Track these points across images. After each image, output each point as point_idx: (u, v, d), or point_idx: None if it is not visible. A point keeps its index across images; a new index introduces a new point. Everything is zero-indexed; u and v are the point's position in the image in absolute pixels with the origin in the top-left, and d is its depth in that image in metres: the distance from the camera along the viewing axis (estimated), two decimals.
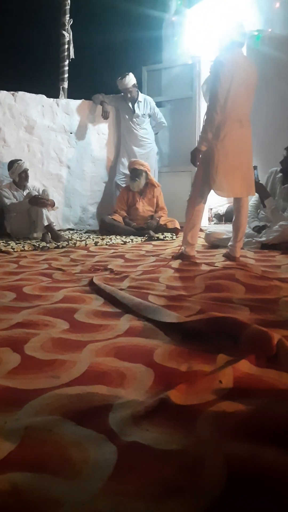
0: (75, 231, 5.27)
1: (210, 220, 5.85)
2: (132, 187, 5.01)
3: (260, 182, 3.99)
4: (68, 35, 5.60)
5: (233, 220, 3.30)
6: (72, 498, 0.81)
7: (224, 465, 0.88)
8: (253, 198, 4.19)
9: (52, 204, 4.56)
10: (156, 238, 4.58)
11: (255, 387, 1.23)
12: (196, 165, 3.14)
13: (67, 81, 5.69)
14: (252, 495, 0.80)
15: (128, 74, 5.26)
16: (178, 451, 0.93)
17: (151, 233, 4.66)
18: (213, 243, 3.92)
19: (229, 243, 3.30)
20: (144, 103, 5.43)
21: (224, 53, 3.03)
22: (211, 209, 5.85)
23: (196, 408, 1.10)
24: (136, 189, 5.01)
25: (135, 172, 4.96)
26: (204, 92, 3.19)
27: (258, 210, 4.13)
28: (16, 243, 4.07)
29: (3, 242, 4.13)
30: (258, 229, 3.92)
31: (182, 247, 3.31)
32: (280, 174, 4.03)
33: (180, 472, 0.87)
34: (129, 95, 5.30)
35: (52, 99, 5.31)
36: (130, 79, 5.27)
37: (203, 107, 4.80)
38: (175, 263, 3.12)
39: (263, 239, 3.80)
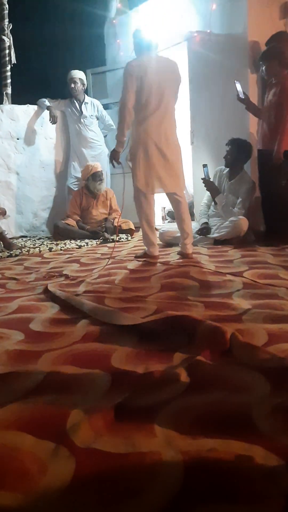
0: (29, 238, 5.16)
1: (163, 219, 5.91)
2: (99, 190, 5.01)
3: (210, 180, 4.07)
4: (8, 40, 5.48)
5: (175, 218, 3.37)
6: None
7: (181, 462, 0.89)
8: (205, 198, 4.27)
9: (3, 213, 4.45)
10: (111, 240, 4.57)
11: (211, 382, 1.25)
12: (114, 166, 3.37)
13: (10, 87, 5.57)
14: (209, 489, 0.82)
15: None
16: (136, 454, 0.94)
17: (106, 235, 4.65)
18: (168, 241, 3.97)
19: (180, 242, 3.35)
20: (91, 105, 5.41)
21: (133, 60, 3.19)
22: (164, 207, 5.90)
23: (153, 409, 1.11)
24: (102, 191, 5.02)
25: (98, 175, 4.96)
26: None
27: (210, 209, 4.21)
28: None
29: None
30: (201, 231, 3.98)
31: (145, 248, 3.33)
32: (227, 170, 4.14)
33: (138, 474, 0.87)
34: (72, 85, 5.25)
35: None
36: (79, 72, 5.32)
37: None
38: (131, 264, 3.13)
39: (215, 235, 3.89)
